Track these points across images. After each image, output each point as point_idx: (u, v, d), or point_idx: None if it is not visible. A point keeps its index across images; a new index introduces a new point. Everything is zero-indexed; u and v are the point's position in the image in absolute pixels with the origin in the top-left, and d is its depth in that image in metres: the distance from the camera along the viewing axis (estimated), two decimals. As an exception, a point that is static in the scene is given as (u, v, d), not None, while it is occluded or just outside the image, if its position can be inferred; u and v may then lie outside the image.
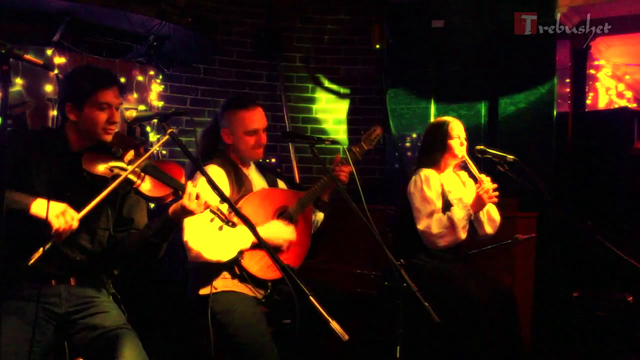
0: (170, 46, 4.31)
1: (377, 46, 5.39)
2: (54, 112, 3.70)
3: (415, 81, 5.36)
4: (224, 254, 2.82)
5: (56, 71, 3.66)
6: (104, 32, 4.06)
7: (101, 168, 2.38)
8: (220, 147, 3.12)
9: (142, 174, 2.41)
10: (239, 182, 3.04)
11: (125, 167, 2.40)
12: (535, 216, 4.28)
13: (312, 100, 5.73)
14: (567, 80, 5.33)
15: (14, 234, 2.09)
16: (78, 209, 2.25)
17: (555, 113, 4.91)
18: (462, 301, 3.19)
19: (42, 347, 2.32)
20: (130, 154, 2.46)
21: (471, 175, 3.53)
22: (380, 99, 5.57)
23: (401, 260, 3.17)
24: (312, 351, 2.98)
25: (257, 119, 3.05)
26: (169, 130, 2.41)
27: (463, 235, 3.36)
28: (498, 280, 3.51)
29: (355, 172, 3.01)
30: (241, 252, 2.88)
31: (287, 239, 2.99)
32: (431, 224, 3.35)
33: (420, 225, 3.37)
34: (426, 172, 3.45)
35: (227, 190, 2.93)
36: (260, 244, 2.31)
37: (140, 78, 4.24)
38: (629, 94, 7.54)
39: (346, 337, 2.05)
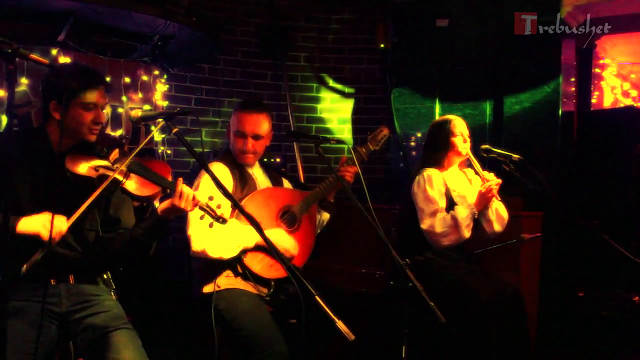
0: (175, 46, 4.31)
1: (382, 45, 5.39)
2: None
3: (419, 80, 5.36)
4: (227, 252, 2.82)
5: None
6: (108, 32, 4.06)
7: (86, 168, 2.35)
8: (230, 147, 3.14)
9: (128, 173, 2.39)
10: (243, 180, 3.04)
11: (111, 166, 2.38)
12: (540, 215, 4.27)
13: (316, 100, 5.73)
14: (573, 79, 5.30)
15: (7, 242, 2.07)
16: (64, 210, 2.23)
17: (560, 112, 4.90)
18: (468, 301, 3.18)
19: (45, 347, 2.31)
20: (115, 153, 2.44)
21: (477, 173, 3.53)
22: (384, 99, 5.56)
23: (406, 259, 3.16)
24: (318, 351, 2.97)
25: (248, 122, 3.01)
26: (174, 130, 2.41)
27: (467, 234, 3.35)
28: (505, 280, 3.50)
29: (360, 172, 3.00)
30: (244, 251, 2.88)
31: (287, 249, 2.97)
32: (434, 223, 3.34)
33: (424, 225, 3.37)
34: (429, 172, 3.44)
35: (230, 189, 2.93)
36: (265, 243, 2.29)
37: (145, 78, 4.23)
38: (634, 93, 7.50)
39: (352, 337, 2.04)
